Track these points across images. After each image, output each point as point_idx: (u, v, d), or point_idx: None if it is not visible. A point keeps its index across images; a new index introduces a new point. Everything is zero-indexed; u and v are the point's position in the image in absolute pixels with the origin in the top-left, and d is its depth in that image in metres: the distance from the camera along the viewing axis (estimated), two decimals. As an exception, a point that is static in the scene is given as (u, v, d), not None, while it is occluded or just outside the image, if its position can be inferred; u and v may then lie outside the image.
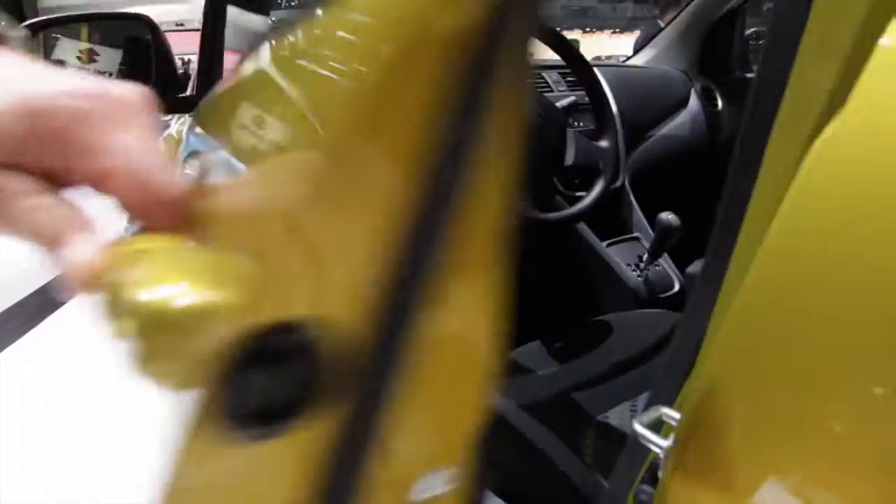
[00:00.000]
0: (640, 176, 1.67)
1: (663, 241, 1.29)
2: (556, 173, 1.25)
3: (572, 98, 1.39)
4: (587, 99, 1.37)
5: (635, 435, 0.40)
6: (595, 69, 1.63)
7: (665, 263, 1.44)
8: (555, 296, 1.55)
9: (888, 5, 0.30)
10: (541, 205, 1.17)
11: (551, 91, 1.60)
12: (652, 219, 1.36)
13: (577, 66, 1.34)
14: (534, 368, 1.08)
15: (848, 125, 0.28)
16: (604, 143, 1.28)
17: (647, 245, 1.50)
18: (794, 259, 0.31)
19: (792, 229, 0.30)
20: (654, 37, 2.05)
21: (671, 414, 0.40)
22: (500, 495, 0.90)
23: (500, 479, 0.90)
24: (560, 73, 1.65)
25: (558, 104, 1.32)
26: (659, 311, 1.27)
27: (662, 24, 2.06)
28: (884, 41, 0.28)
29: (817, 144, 0.28)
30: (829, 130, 0.28)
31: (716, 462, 0.34)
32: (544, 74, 1.63)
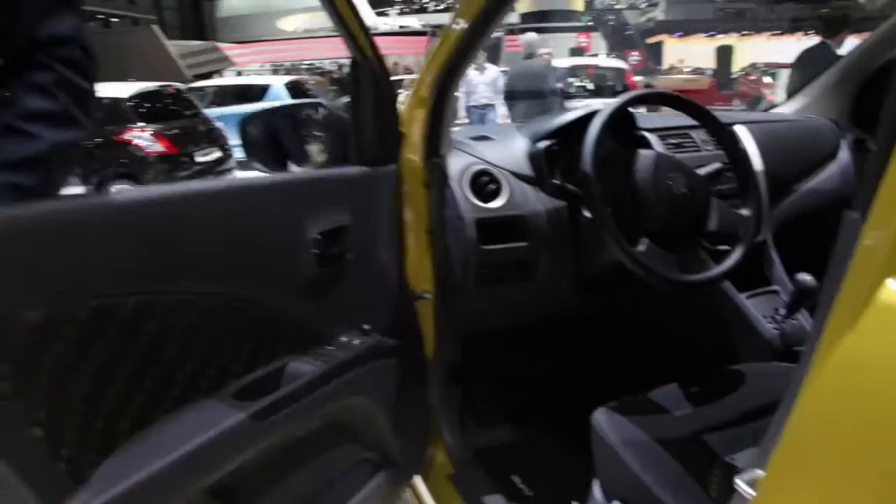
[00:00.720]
0: (784, 230, 1.72)
1: (799, 301, 1.39)
2: (701, 236, 1.38)
3: (717, 164, 1.48)
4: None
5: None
6: (740, 127, 1.71)
7: (802, 317, 1.51)
8: (694, 343, 1.66)
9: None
10: (684, 265, 1.31)
11: (698, 150, 1.71)
12: (794, 272, 1.43)
13: (719, 134, 1.44)
14: (670, 409, 1.23)
15: (840, 363, 0.46)
16: (745, 212, 1.38)
17: (786, 298, 1.57)
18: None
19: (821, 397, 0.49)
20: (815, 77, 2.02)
21: (762, 474, 0.59)
22: None
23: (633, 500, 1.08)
24: (708, 132, 1.75)
25: (702, 171, 1.43)
26: (793, 365, 1.37)
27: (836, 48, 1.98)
28: (883, 294, 0.45)
29: (823, 369, 0.47)
30: (830, 360, 0.46)
31: None
32: (692, 134, 1.75)
